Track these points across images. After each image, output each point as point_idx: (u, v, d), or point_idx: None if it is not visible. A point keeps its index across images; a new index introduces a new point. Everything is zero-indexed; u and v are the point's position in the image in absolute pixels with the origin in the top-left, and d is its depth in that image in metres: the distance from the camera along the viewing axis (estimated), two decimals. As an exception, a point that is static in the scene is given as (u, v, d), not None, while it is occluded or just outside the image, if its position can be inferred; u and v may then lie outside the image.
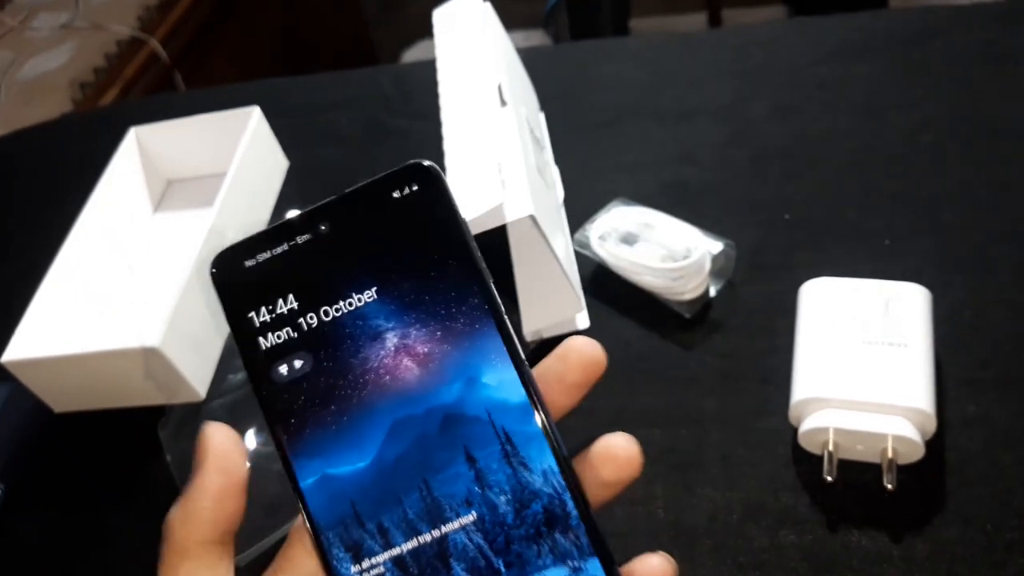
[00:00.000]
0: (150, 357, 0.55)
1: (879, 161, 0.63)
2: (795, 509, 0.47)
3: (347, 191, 0.30)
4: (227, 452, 0.28)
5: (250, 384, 0.29)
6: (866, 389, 0.47)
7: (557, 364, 0.28)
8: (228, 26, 2.04)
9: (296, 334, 0.29)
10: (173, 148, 0.75)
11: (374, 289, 0.29)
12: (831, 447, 0.47)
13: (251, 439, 0.54)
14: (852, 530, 0.46)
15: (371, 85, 0.84)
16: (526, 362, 0.28)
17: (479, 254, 0.29)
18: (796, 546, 0.46)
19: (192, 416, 0.57)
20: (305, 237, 0.30)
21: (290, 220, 0.30)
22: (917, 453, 0.46)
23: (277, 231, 0.30)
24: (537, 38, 1.75)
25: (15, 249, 0.78)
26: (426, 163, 0.30)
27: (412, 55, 1.86)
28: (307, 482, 0.28)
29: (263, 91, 0.84)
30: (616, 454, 0.28)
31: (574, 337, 0.28)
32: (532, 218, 0.49)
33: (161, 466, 0.57)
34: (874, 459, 0.47)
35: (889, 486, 0.45)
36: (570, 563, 0.28)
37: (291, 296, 0.30)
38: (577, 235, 0.60)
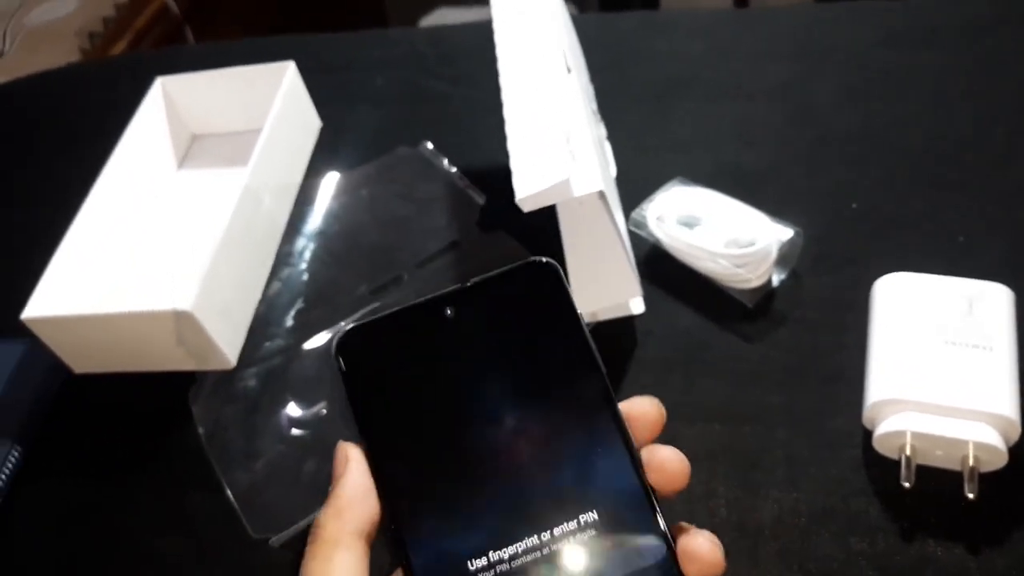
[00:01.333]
0: (182, 321, 0.51)
1: (948, 151, 0.60)
2: (867, 515, 0.45)
3: (473, 281, 0.32)
4: (362, 459, 0.31)
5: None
6: (947, 392, 0.45)
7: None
8: (241, -21, 1.99)
9: (414, 413, 0.31)
10: (200, 101, 0.71)
11: (495, 375, 0.31)
12: (908, 451, 0.44)
13: (293, 408, 0.51)
14: (928, 540, 0.43)
15: (406, 45, 0.80)
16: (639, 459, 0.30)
17: (595, 350, 0.31)
18: (867, 555, 0.44)
19: (223, 385, 0.54)
20: (428, 322, 0.32)
21: (416, 304, 0.32)
22: (1000, 461, 0.44)
23: (402, 314, 0.32)
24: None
25: (33, 199, 0.74)
26: (545, 260, 0.32)
27: (429, 21, 1.81)
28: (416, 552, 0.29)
29: (291, 46, 0.80)
30: (665, 467, 0.30)
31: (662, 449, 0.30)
32: (600, 195, 0.46)
33: (184, 436, 0.54)
34: (954, 466, 0.45)
35: (970, 495, 0.43)
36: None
37: (412, 377, 0.31)
38: (633, 214, 0.57)
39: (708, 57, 0.72)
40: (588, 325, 0.32)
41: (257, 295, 0.59)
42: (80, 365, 0.58)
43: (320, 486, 0.48)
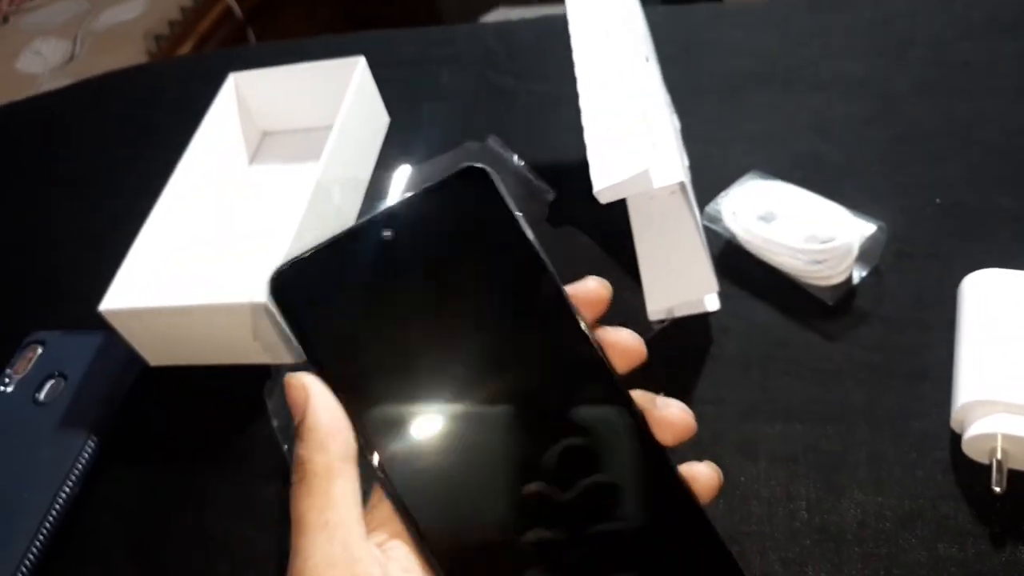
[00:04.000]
0: (258, 314, 0.52)
1: (1035, 147, 0.58)
2: (955, 520, 0.43)
3: (405, 197, 0.31)
4: (322, 388, 0.30)
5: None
6: (1042, 394, 0.43)
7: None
8: (302, -18, 2.01)
9: (368, 340, 0.30)
10: (271, 97, 0.72)
11: (442, 289, 0.31)
12: (999, 455, 0.43)
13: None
14: (1019, 546, 0.42)
15: (474, 41, 0.80)
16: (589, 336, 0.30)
17: (536, 246, 0.31)
18: (957, 560, 0.42)
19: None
20: (368, 246, 0.31)
21: (349, 230, 0.31)
22: (1097, 467, 0.42)
23: (339, 241, 0.31)
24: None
25: (110, 193, 0.76)
26: (478, 166, 0.31)
27: (489, 20, 1.81)
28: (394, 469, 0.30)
29: (359, 43, 0.80)
30: (673, 423, 0.30)
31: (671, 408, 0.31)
32: (681, 186, 0.45)
33: (258, 429, 0.55)
34: (1049, 471, 0.43)
35: (1065, 502, 0.41)
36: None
37: (359, 303, 0.31)
38: (708, 208, 0.56)
39: (782, 49, 0.70)
40: (660, 322, 0.32)
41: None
42: (156, 358, 0.59)
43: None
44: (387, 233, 0.31)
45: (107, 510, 0.55)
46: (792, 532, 0.44)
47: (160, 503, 0.54)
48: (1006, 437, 0.42)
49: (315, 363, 0.30)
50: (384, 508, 0.30)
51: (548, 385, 0.30)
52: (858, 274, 0.52)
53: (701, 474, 0.30)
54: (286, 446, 0.51)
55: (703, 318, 0.53)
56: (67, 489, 0.54)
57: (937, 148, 0.60)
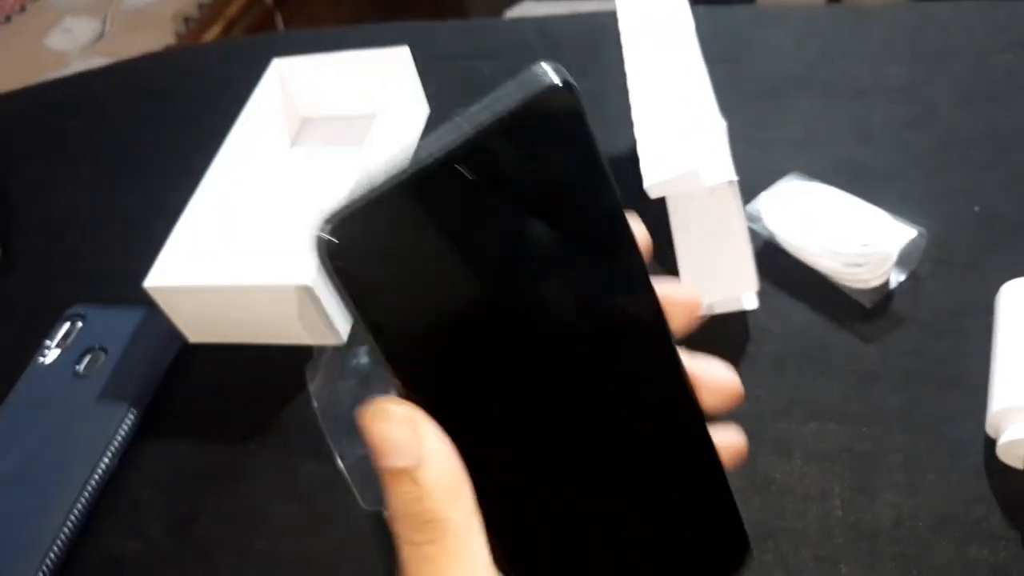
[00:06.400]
0: (302, 296, 0.53)
1: (1075, 159, 0.59)
2: (988, 523, 0.44)
3: (477, 127, 0.24)
4: (431, 424, 0.25)
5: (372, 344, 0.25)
6: (1078, 402, 0.43)
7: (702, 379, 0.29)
8: (332, -31, 2.02)
9: (437, 309, 0.25)
10: (313, 84, 0.72)
11: (516, 230, 0.25)
12: (1035, 461, 0.43)
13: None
14: (1052, 553, 0.42)
15: (514, 35, 0.81)
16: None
17: (614, 186, 0.26)
18: (988, 564, 0.43)
19: (337, 362, 0.55)
20: (434, 190, 0.24)
21: (414, 170, 0.24)
22: None
23: (400, 183, 0.23)
24: None
25: (155, 172, 0.77)
26: (560, 81, 0.25)
27: (516, 14, 1.82)
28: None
29: (398, 33, 0.81)
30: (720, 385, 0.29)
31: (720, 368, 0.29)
32: (731, 184, 0.45)
33: (298, 408, 0.56)
34: (1083, 479, 0.43)
35: (1099, 509, 0.42)
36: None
37: (427, 269, 0.25)
38: (748, 208, 0.56)
39: (825, 55, 0.71)
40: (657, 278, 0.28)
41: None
42: (196, 334, 0.60)
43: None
44: (460, 172, 0.24)
45: (145, 484, 0.56)
46: (826, 530, 0.45)
47: (198, 478, 0.55)
48: (1041, 444, 0.43)
49: (385, 352, 0.25)
50: None
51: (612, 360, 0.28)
52: (896, 278, 0.53)
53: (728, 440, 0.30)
54: (328, 435, 0.52)
55: (741, 316, 0.54)
56: (105, 461, 0.55)
57: (977, 157, 0.60)
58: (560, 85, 0.25)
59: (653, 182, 0.45)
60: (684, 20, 0.55)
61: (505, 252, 0.25)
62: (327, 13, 2.04)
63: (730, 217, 0.48)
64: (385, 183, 0.23)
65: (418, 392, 0.25)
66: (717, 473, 0.29)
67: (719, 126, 0.52)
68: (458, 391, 0.26)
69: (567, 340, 0.27)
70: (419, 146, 0.24)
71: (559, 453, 0.27)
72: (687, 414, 0.29)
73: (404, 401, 0.25)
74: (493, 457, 0.26)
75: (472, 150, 0.24)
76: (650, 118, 0.49)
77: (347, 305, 0.24)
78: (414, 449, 0.24)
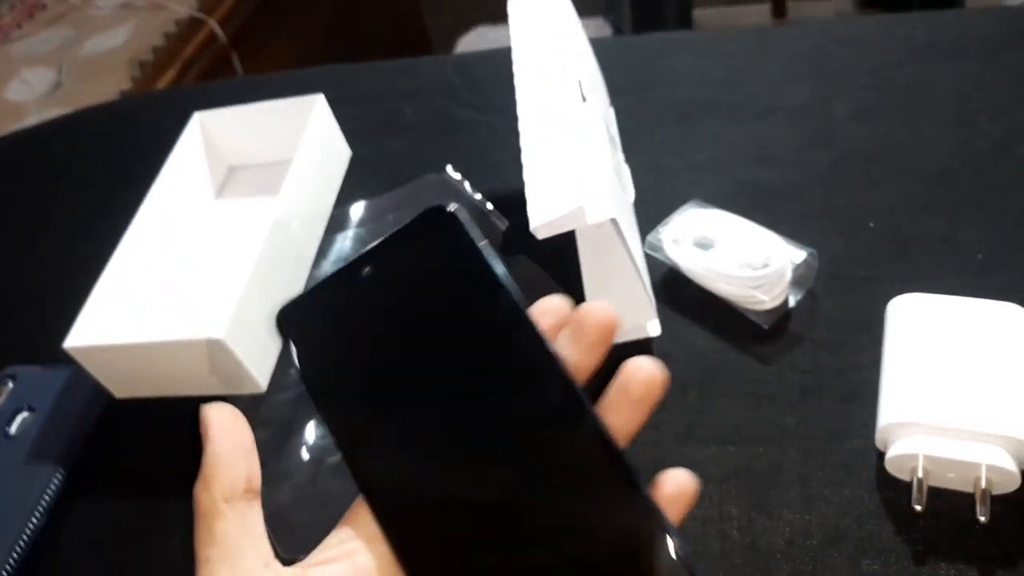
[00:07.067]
0: (214, 349, 0.54)
1: (969, 171, 0.60)
2: (879, 537, 0.45)
3: (380, 240, 0.34)
4: (227, 421, 0.32)
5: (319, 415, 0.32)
6: (959, 415, 0.45)
7: (621, 379, 0.31)
8: (285, 6, 2.04)
9: (359, 369, 0.33)
10: (236, 134, 0.74)
11: (420, 326, 0.33)
12: (920, 474, 0.44)
13: (310, 432, 0.53)
14: (940, 563, 0.44)
15: (435, 74, 0.82)
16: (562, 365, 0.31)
17: (508, 283, 0.32)
18: (879, 576, 0.44)
19: (255, 408, 0.56)
20: (350, 286, 0.33)
21: (337, 271, 0.34)
22: (1013, 484, 0.44)
23: (330, 281, 0.34)
24: (596, 27, 1.72)
25: (78, 232, 0.78)
26: (448, 207, 0.33)
27: (468, 41, 1.84)
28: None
29: (324, 78, 0.82)
30: (640, 375, 0.30)
31: (637, 357, 0.31)
32: (613, 222, 0.47)
33: (220, 459, 0.57)
34: (966, 488, 0.45)
35: (982, 518, 0.43)
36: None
37: (348, 338, 0.33)
38: (649, 237, 0.58)
39: (730, 78, 0.72)
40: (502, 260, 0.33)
41: (287, 322, 0.61)
42: (121, 390, 0.61)
43: (339, 500, 0.49)
44: (366, 273, 0.33)
45: (74, 543, 0.56)
46: (724, 551, 0.46)
47: (127, 534, 0.56)
48: (926, 457, 0.44)
49: (309, 389, 0.32)
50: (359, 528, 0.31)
51: (508, 395, 0.31)
52: (793, 298, 0.54)
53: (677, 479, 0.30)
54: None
55: (646, 343, 0.55)
56: (34, 522, 0.56)
57: (874, 172, 0.62)
58: (441, 209, 0.33)
59: (538, 223, 0.46)
60: (579, 55, 0.57)
61: (400, 333, 0.33)
62: (285, 49, 2.05)
63: (619, 252, 0.49)
64: (318, 282, 0.34)
65: (338, 431, 0.32)
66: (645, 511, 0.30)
67: (610, 162, 0.53)
68: (369, 430, 0.32)
69: (468, 399, 0.32)
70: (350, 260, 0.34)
71: (465, 494, 0.31)
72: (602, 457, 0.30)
73: (214, 404, 0.33)
74: (406, 502, 0.31)
75: (372, 258, 0.33)
76: (538, 158, 0.50)
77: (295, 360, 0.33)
78: (203, 442, 0.32)
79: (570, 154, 0.50)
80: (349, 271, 0.33)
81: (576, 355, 0.31)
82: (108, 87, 1.65)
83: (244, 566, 0.30)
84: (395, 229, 0.34)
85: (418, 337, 0.32)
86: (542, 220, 0.47)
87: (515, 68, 0.57)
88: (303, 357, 0.33)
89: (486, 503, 0.30)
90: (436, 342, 0.32)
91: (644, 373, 0.30)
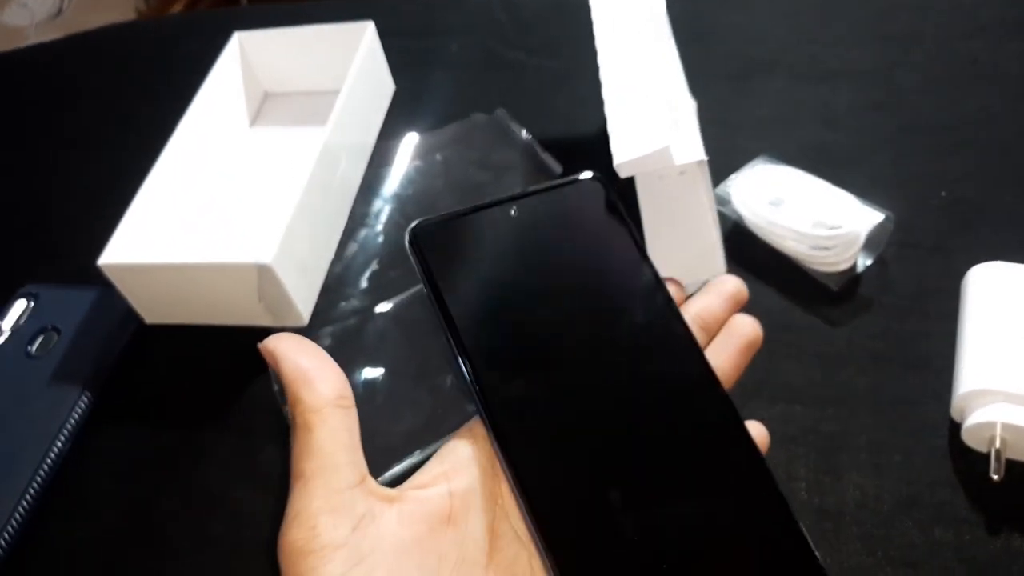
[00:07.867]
0: (262, 275, 0.51)
1: (1038, 146, 0.59)
2: (952, 506, 0.44)
3: (528, 189, 0.37)
4: (299, 345, 0.31)
5: (447, 333, 0.33)
6: (1042, 385, 0.43)
7: (729, 328, 0.39)
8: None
9: (500, 302, 0.34)
10: (277, 58, 0.71)
11: (562, 272, 0.35)
12: (998, 444, 0.43)
13: (366, 370, 0.51)
14: (1015, 534, 0.43)
15: (481, 12, 0.79)
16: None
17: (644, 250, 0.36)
18: (952, 545, 0.43)
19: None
20: (495, 223, 0.35)
21: (480, 205, 0.36)
22: (1093, 458, 0.43)
23: (469, 210, 0.36)
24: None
25: (107, 149, 0.74)
26: (595, 176, 0.38)
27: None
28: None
29: (363, 8, 0.79)
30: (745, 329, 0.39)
31: (742, 314, 0.39)
32: (702, 164, 0.45)
33: (258, 391, 0.55)
34: (1046, 461, 0.44)
35: (1060, 492, 0.42)
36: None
37: (492, 269, 0.35)
38: (717, 190, 0.56)
39: (789, 38, 0.70)
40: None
41: (331, 254, 0.59)
42: (152, 315, 0.58)
43: (391, 445, 0.48)
44: (512, 214, 0.35)
45: (100, 468, 0.54)
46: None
47: (154, 462, 0.54)
48: (1005, 426, 0.43)
49: (439, 308, 0.33)
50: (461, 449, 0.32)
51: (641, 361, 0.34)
52: (863, 262, 0.53)
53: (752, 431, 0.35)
54: (285, 409, 0.51)
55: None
56: (59, 444, 0.54)
57: (942, 142, 0.60)
58: (595, 176, 0.38)
59: (622, 160, 0.44)
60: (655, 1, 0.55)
61: (547, 274, 0.35)
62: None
63: (699, 199, 0.47)
64: (461, 209, 0.36)
65: (470, 354, 0.32)
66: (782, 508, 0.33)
67: (689, 106, 0.51)
68: (506, 359, 0.32)
69: (605, 353, 0.34)
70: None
71: (596, 441, 0.31)
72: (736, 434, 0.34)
73: (276, 335, 0.32)
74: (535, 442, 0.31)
75: (520, 202, 0.36)
76: (621, 97, 0.48)
77: (422, 280, 0.34)
78: (274, 369, 0.31)
79: (656, 92, 0.47)
80: (491, 209, 0.35)
81: (722, 361, 0.37)
82: (112, 17, 1.60)
83: (339, 481, 0.29)
84: (543, 184, 0.37)
85: (560, 283, 0.34)
86: (625, 158, 0.45)
87: (592, 3, 0.54)
88: (434, 274, 0.33)
89: (617, 451, 0.31)
90: (576, 294, 0.34)
91: (749, 327, 0.38)
